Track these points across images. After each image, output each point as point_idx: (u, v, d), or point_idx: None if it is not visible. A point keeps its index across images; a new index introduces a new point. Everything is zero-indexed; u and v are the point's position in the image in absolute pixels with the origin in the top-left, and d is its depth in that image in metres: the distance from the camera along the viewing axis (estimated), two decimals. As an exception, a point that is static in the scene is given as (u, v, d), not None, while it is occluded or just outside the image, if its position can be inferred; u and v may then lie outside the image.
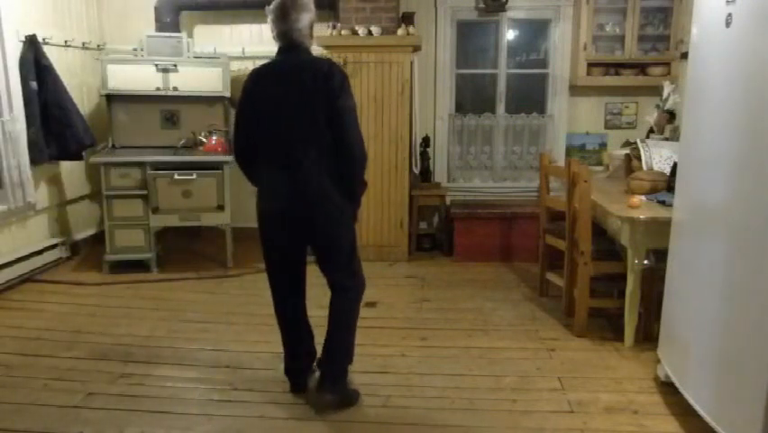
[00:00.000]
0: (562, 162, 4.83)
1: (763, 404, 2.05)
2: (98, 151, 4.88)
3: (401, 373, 3.09)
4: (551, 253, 4.10)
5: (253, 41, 5.39)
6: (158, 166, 4.55)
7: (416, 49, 4.93)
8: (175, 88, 4.84)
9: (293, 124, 2.55)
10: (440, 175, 5.51)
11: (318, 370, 2.82)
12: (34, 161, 4.40)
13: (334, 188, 2.60)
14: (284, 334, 2.88)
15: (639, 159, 3.91)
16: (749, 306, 2.15)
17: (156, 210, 4.58)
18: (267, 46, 5.31)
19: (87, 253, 5.10)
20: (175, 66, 4.81)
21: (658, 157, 3.85)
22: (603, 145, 5.40)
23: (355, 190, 2.69)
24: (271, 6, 2.58)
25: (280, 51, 2.62)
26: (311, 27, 2.62)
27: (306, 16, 2.57)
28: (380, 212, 4.97)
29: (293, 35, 2.56)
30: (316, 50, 2.71)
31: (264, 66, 2.69)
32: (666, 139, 4.29)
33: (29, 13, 4.47)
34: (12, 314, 3.87)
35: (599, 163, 5.26)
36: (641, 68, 5.07)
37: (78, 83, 5.02)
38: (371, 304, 4.04)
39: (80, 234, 5.16)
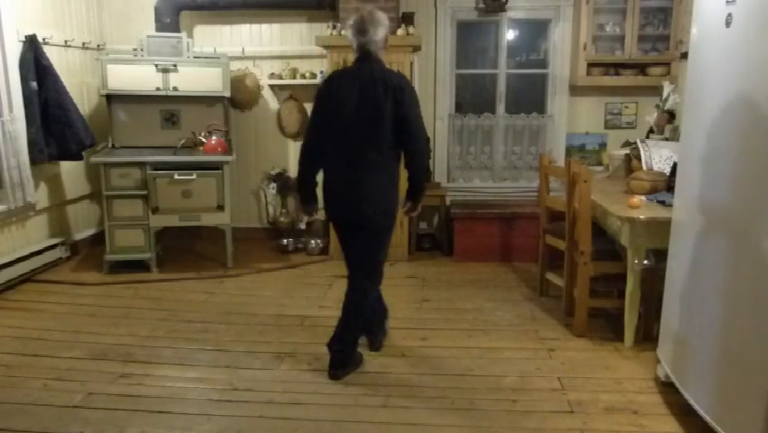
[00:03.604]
0: (561, 162, 4.83)
1: (763, 404, 2.05)
2: (98, 151, 4.88)
3: (401, 373, 3.09)
4: (551, 253, 4.10)
5: (253, 41, 5.40)
6: (158, 166, 4.55)
7: (416, 49, 4.93)
8: (175, 88, 4.84)
9: (365, 127, 2.86)
10: (440, 175, 5.51)
11: (330, 351, 3.06)
12: (34, 160, 4.40)
13: (391, 191, 2.98)
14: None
15: (639, 159, 3.91)
16: (749, 306, 2.15)
17: (156, 210, 4.58)
18: (267, 46, 5.38)
19: (87, 253, 5.10)
20: (175, 66, 4.81)
21: (658, 157, 3.85)
22: (603, 145, 5.40)
23: (417, 185, 3.05)
24: (351, 21, 2.94)
25: (357, 61, 2.95)
26: (385, 40, 2.95)
27: (382, 31, 2.90)
28: (380, 212, 4.96)
29: (369, 47, 2.90)
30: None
31: (340, 72, 3.07)
32: (666, 139, 4.29)
33: (29, 13, 4.47)
34: (12, 314, 3.87)
35: (599, 163, 5.26)
36: (641, 68, 5.07)
37: (78, 83, 5.02)
38: (371, 304, 4.04)
39: (80, 235, 5.16)
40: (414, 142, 2.91)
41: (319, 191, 3.12)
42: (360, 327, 3.15)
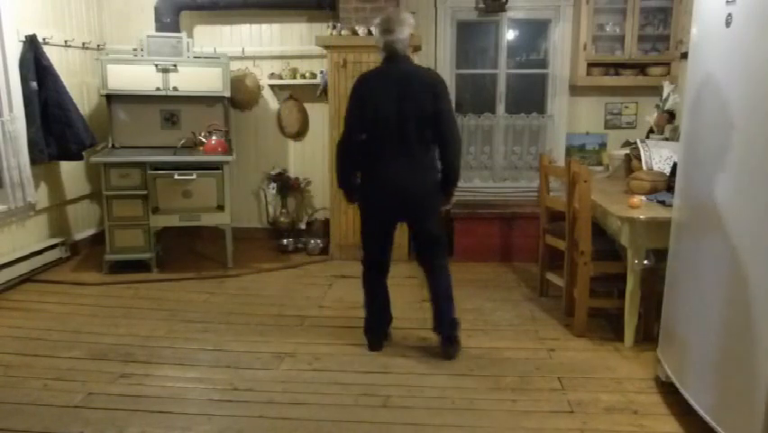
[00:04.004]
0: (562, 162, 4.83)
1: (763, 404, 2.05)
2: (98, 151, 4.88)
3: (401, 373, 3.09)
4: (551, 253, 4.10)
5: (253, 41, 5.40)
6: (158, 166, 4.55)
7: (416, 49, 4.92)
8: (175, 88, 4.84)
9: (401, 123, 2.97)
10: (440, 175, 5.50)
11: (439, 335, 3.27)
12: (34, 160, 4.40)
13: (431, 179, 3.11)
14: (371, 299, 3.34)
15: (639, 159, 3.91)
16: (749, 306, 2.15)
17: (156, 210, 4.58)
18: (267, 46, 5.38)
19: (87, 253, 5.10)
20: (175, 66, 4.81)
21: (658, 157, 3.85)
22: (603, 145, 5.40)
23: (452, 177, 3.14)
24: (377, 21, 3.06)
25: (386, 60, 3.07)
26: (408, 36, 3.04)
27: (407, 30, 3.01)
28: (380, 212, 4.97)
29: (397, 45, 3.00)
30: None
31: (371, 72, 3.15)
32: (666, 139, 4.29)
33: (29, 13, 4.47)
34: (12, 314, 3.87)
35: (599, 163, 5.26)
36: (641, 68, 5.07)
37: (78, 83, 5.02)
38: (371, 304, 4.04)
39: (80, 235, 5.16)
40: (449, 135, 3.01)
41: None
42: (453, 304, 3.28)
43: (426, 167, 3.10)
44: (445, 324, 3.25)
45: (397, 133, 3.00)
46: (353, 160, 3.16)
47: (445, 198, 3.25)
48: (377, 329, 3.37)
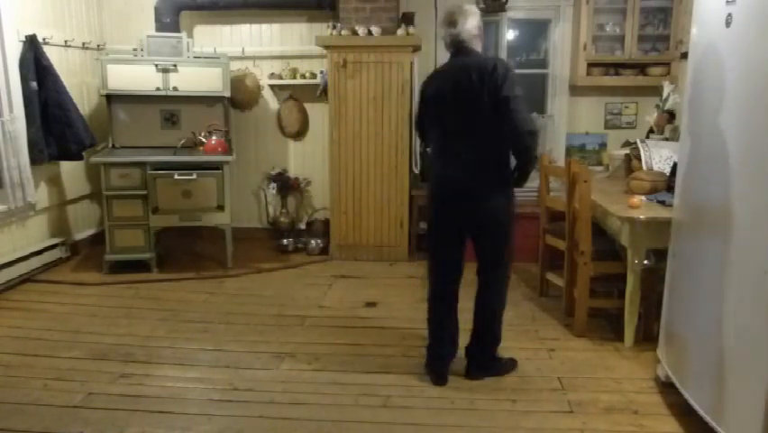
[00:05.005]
0: (561, 162, 4.83)
1: (763, 404, 2.05)
2: (98, 151, 4.88)
3: (401, 373, 3.09)
4: (551, 253, 4.10)
5: (253, 41, 5.40)
6: (158, 166, 4.55)
7: (416, 49, 4.93)
8: (175, 88, 4.83)
9: (461, 116, 2.84)
10: (440, 175, 5.50)
11: (466, 355, 3.05)
12: (34, 161, 4.40)
13: (496, 175, 2.89)
14: (434, 319, 3.05)
15: (639, 159, 3.91)
16: (749, 305, 2.15)
17: (156, 210, 4.58)
18: (267, 46, 5.38)
19: (87, 253, 5.10)
20: (175, 66, 4.81)
21: (658, 157, 3.85)
22: (603, 145, 5.40)
23: (524, 164, 2.87)
24: (441, 19, 2.97)
25: (452, 56, 2.95)
26: (479, 29, 2.91)
27: (472, 20, 2.88)
28: (380, 212, 4.97)
29: (461, 37, 2.87)
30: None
31: (439, 68, 3.09)
32: (666, 139, 4.29)
33: (29, 13, 4.47)
34: (12, 314, 3.87)
35: (599, 163, 5.26)
36: (641, 68, 5.07)
37: (78, 83, 5.02)
38: (371, 304, 4.04)
39: (80, 234, 5.16)
40: (513, 123, 2.72)
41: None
42: (497, 325, 3.05)
43: (491, 168, 2.86)
44: (476, 343, 3.05)
45: (461, 131, 2.84)
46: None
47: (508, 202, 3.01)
48: (439, 363, 3.02)
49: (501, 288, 3.05)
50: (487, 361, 3.05)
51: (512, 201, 3.01)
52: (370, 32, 4.74)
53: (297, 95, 5.42)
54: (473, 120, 2.80)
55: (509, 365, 3.11)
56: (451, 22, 2.88)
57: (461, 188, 2.86)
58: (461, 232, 2.97)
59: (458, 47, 2.89)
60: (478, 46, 2.92)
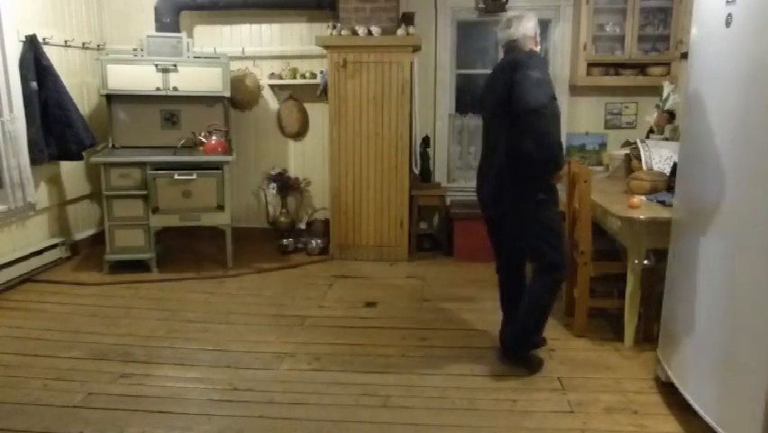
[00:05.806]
0: (562, 162, 4.82)
1: (763, 404, 2.05)
2: (98, 151, 4.88)
3: (401, 373, 3.09)
4: (551, 253, 4.09)
5: (253, 41, 5.40)
6: (158, 166, 4.55)
7: (416, 49, 4.93)
8: (175, 88, 4.83)
9: (490, 116, 3.04)
10: (440, 175, 5.51)
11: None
12: (34, 161, 4.40)
13: (518, 179, 2.88)
14: (501, 299, 3.33)
15: (639, 159, 3.90)
16: (749, 305, 2.15)
17: (156, 210, 4.58)
18: (267, 46, 5.38)
19: (87, 253, 5.10)
20: (175, 66, 4.81)
21: (658, 157, 3.85)
22: (603, 145, 5.40)
23: (533, 157, 2.74)
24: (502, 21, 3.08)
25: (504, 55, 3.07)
26: (533, 31, 2.97)
27: (526, 23, 2.95)
28: (380, 212, 4.98)
29: (513, 37, 2.96)
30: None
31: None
32: (666, 139, 4.29)
33: (29, 13, 4.47)
34: (12, 314, 3.87)
35: (599, 163, 5.25)
36: (641, 68, 5.07)
37: (78, 83, 5.02)
38: (371, 304, 4.04)
39: (80, 235, 5.16)
40: (518, 106, 2.66)
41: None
42: (531, 319, 3.12)
43: (507, 169, 2.89)
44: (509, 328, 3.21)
45: (490, 128, 3.05)
46: None
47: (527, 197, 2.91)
48: (501, 338, 3.27)
49: (542, 286, 3.06)
50: (510, 349, 3.18)
51: (535, 201, 2.89)
52: (370, 32, 4.74)
53: (297, 95, 5.42)
54: (499, 117, 2.91)
55: (532, 364, 3.14)
56: (505, 26, 3.00)
57: (488, 188, 3.07)
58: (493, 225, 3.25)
59: (509, 47, 3.00)
60: (533, 46, 2.99)
